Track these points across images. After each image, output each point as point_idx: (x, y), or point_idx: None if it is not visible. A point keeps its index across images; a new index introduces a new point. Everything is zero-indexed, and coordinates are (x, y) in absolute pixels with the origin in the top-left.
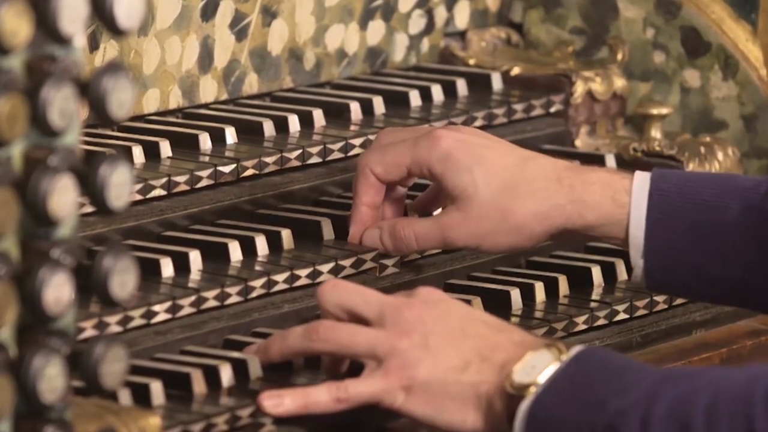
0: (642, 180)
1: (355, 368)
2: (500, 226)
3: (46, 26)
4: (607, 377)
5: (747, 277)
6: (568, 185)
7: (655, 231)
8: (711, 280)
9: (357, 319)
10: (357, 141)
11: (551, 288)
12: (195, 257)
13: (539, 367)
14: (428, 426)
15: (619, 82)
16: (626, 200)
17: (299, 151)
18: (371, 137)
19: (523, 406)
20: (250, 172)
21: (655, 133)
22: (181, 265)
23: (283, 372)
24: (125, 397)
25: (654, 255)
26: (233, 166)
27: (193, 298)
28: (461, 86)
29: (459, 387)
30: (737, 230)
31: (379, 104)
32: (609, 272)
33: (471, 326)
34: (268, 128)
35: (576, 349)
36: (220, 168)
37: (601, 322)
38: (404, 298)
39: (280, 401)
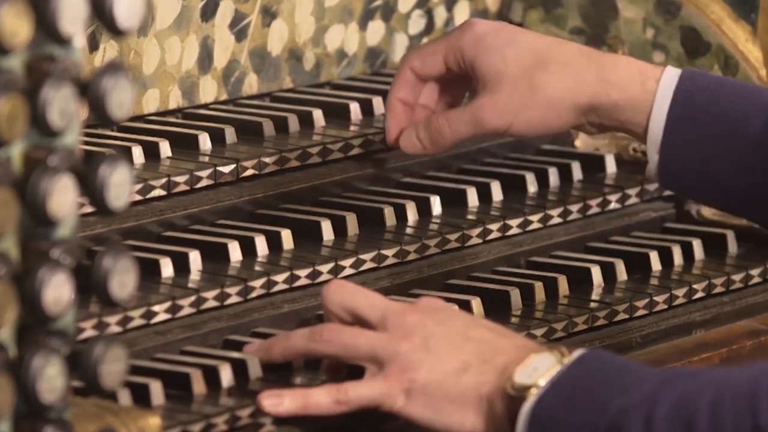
0: (672, 75)
1: (353, 371)
2: (530, 101)
3: (46, 26)
4: (610, 379)
5: (760, 192)
6: (598, 63)
7: (673, 130)
8: (723, 189)
9: (360, 321)
10: (357, 141)
11: (551, 288)
12: (195, 257)
13: (541, 369)
14: (428, 429)
15: None
16: (653, 88)
17: (299, 152)
18: (371, 137)
19: (525, 408)
20: (249, 172)
21: None
22: (181, 265)
23: (282, 372)
24: (125, 397)
25: (669, 153)
26: (233, 166)
27: (192, 298)
28: None
29: (458, 389)
30: (755, 145)
31: (378, 104)
32: (609, 272)
33: (473, 331)
34: (268, 128)
35: (578, 352)
36: (220, 168)
37: (600, 322)
38: (407, 304)
39: (279, 401)
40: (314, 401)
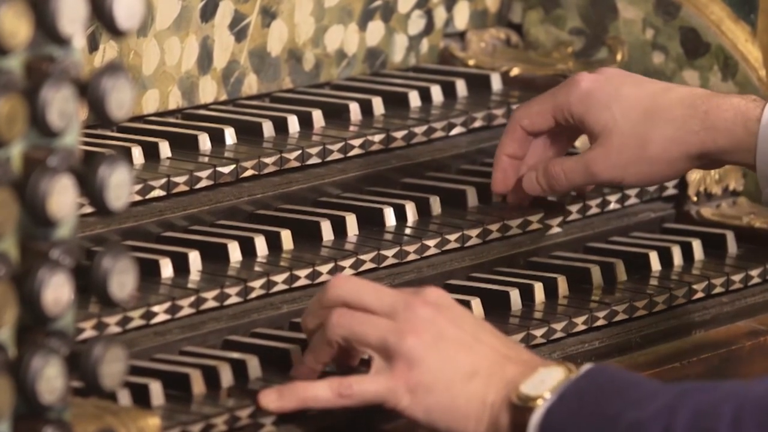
0: None
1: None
2: (641, 155)
3: (46, 27)
4: (620, 390)
5: None
6: (703, 111)
7: None
8: None
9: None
10: (356, 142)
11: (550, 288)
12: (194, 258)
13: (548, 382)
14: (429, 430)
15: None
16: (756, 128)
17: (298, 152)
18: (370, 138)
19: (534, 420)
20: (249, 172)
21: None
22: (181, 265)
23: (283, 373)
24: (124, 397)
25: None
26: (232, 166)
27: (192, 298)
28: (461, 87)
29: (464, 395)
30: None
31: (378, 105)
32: (608, 273)
33: (483, 335)
34: (268, 129)
35: (586, 366)
36: (220, 169)
37: (600, 322)
38: (414, 296)
39: (278, 395)
40: (313, 394)
